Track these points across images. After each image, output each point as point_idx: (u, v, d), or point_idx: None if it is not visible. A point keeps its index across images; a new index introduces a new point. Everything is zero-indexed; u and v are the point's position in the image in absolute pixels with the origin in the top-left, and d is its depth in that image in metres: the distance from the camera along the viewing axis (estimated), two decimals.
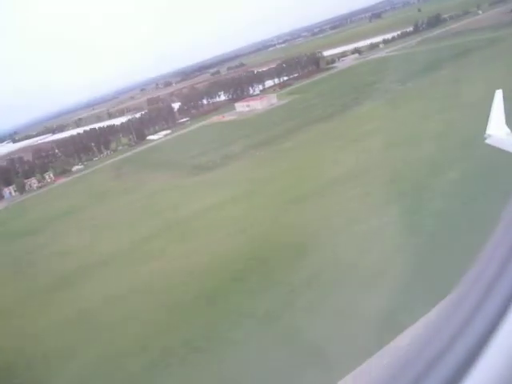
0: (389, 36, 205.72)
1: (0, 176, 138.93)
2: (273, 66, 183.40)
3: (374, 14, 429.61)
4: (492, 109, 23.93)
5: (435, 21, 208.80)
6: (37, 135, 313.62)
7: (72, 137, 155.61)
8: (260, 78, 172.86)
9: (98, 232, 69.69)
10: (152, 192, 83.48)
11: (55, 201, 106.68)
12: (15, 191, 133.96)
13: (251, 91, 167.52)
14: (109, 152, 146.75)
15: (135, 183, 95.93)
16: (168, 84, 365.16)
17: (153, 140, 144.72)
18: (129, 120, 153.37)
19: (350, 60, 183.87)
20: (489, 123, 23.57)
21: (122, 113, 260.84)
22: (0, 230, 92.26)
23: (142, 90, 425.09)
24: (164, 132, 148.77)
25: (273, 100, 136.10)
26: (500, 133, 22.78)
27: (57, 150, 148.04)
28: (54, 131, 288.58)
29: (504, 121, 23.25)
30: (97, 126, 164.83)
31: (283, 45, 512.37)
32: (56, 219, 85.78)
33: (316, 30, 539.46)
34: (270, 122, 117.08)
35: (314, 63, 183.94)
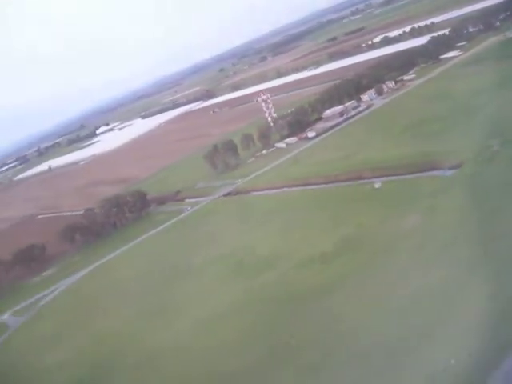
0: None
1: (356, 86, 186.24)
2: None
3: None
4: None
5: None
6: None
7: (380, 58, 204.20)
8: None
9: None
10: None
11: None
12: (375, 94, 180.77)
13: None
14: (416, 68, 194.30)
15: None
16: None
17: (450, 57, 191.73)
18: (421, 45, 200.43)
19: None
20: None
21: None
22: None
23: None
24: (455, 52, 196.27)
25: None
26: None
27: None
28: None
29: None
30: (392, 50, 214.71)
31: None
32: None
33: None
34: None
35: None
